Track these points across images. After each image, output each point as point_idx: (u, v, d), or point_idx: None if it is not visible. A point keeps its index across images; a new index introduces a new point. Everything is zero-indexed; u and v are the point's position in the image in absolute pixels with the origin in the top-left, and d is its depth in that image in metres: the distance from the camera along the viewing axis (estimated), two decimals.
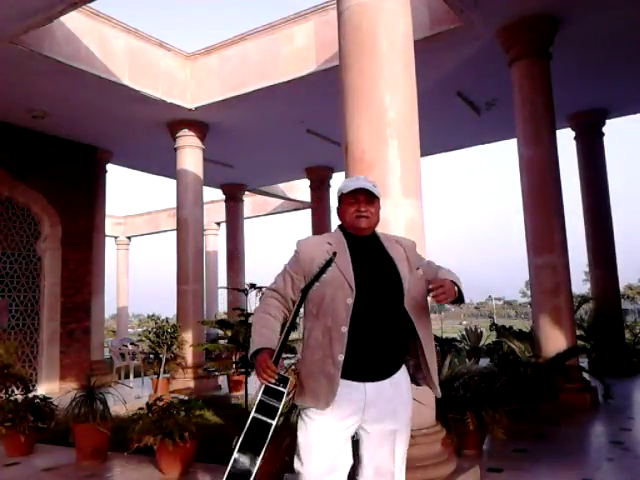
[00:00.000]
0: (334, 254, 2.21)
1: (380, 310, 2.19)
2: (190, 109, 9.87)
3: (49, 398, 5.70)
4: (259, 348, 2.16)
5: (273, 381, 2.08)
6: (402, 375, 2.27)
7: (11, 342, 8.57)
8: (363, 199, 2.31)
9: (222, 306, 22.26)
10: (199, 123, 10.49)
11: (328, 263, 2.18)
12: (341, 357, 2.12)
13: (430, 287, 2.17)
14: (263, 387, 2.10)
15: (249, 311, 5.97)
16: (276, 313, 2.28)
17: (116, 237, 23.74)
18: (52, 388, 10.04)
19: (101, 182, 12.46)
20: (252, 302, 6.24)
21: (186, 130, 10.48)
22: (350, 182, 2.38)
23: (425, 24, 7.34)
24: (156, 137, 11.09)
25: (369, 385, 2.16)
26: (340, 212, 2.40)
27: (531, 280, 7.50)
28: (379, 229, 2.44)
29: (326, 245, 2.29)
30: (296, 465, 2.23)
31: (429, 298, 2.26)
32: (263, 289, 5.92)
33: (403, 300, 2.22)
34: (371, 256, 2.31)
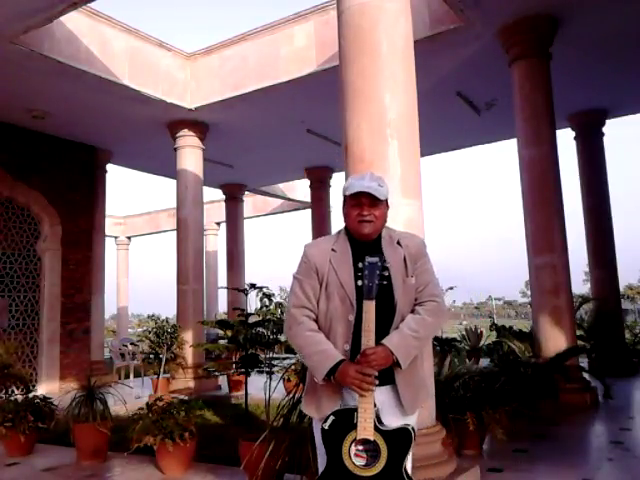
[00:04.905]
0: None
1: (381, 320, 2.10)
2: (190, 109, 9.87)
3: (49, 398, 5.71)
4: (337, 362, 2.04)
5: (374, 387, 2.00)
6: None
7: (11, 342, 8.58)
8: (366, 202, 2.17)
9: (222, 306, 22.32)
10: (199, 123, 10.49)
11: None
12: None
13: (358, 358, 2.05)
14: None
15: (249, 311, 5.97)
16: (317, 329, 2.17)
17: (116, 237, 23.74)
18: (52, 388, 10.04)
19: (101, 182, 12.45)
20: (252, 302, 6.24)
21: (186, 130, 10.48)
22: (353, 181, 2.22)
23: (425, 24, 7.34)
24: (156, 137, 11.09)
25: (377, 389, 2.10)
26: (344, 214, 2.27)
27: (531, 280, 7.50)
28: None
29: (330, 253, 2.20)
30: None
31: None
32: (263, 289, 5.94)
33: (395, 311, 2.16)
34: None
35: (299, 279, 2.22)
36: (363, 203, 2.17)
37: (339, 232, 2.31)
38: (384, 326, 2.12)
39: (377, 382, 2.02)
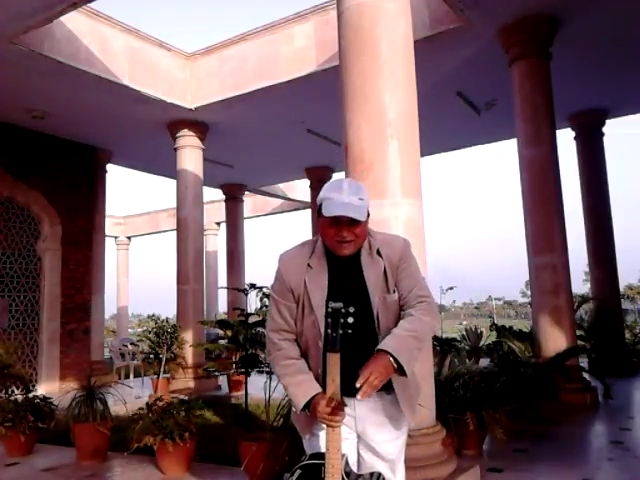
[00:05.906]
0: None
1: (356, 337, 1.92)
2: (190, 109, 9.87)
3: (49, 398, 5.71)
4: (312, 396, 1.96)
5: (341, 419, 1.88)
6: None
7: (11, 342, 8.58)
8: (346, 220, 1.95)
9: (222, 306, 22.33)
10: (199, 123, 10.50)
11: None
12: None
13: (356, 385, 1.88)
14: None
15: (249, 311, 5.97)
16: (297, 354, 2.10)
17: (116, 237, 23.75)
18: (52, 388, 10.05)
19: (101, 182, 12.46)
20: (252, 302, 6.24)
21: (186, 130, 10.48)
22: (331, 196, 1.97)
23: (425, 24, 7.34)
24: (156, 137, 11.09)
25: (359, 402, 2.05)
26: (320, 229, 2.07)
27: (531, 280, 7.50)
28: (378, 228, 2.30)
29: (306, 269, 2.06)
30: None
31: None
32: (263, 289, 5.94)
33: (375, 327, 2.04)
34: (349, 280, 2.06)
35: (275, 299, 2.12)
36: (342, 222, 1.95)
37: (316, 240, 2.13)
38: (367, 347, 1.98)
39: (345, 416, 1.91)
